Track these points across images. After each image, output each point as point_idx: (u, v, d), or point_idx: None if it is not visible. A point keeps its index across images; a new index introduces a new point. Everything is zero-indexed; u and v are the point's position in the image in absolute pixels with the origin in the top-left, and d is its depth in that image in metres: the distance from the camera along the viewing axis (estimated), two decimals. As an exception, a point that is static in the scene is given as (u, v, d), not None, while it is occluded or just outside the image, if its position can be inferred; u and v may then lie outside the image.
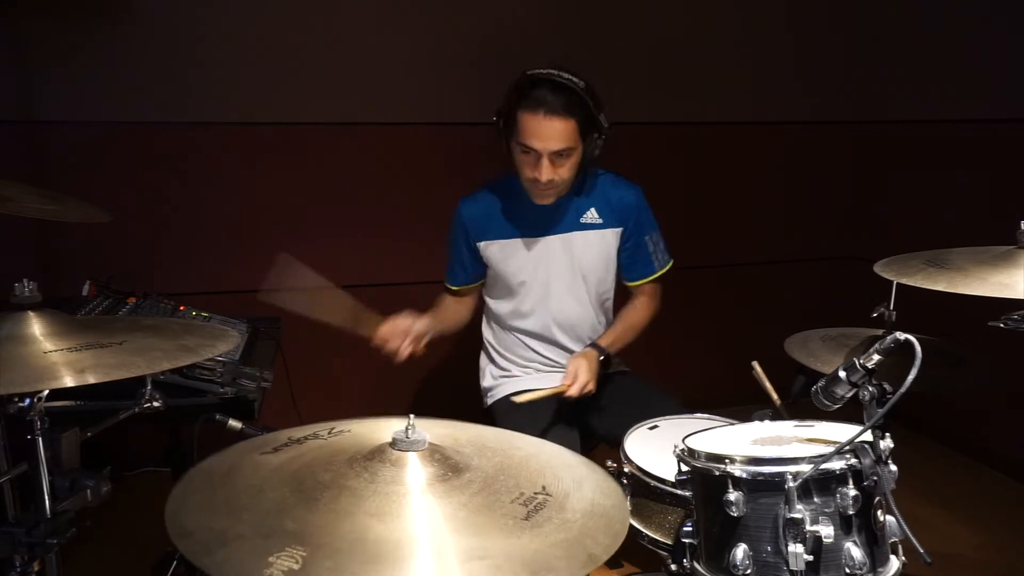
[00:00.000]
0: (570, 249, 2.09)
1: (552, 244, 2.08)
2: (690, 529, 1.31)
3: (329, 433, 1.09)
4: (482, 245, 2.11)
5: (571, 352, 2.15)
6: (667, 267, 2.18)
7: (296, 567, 0.79)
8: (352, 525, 0.86)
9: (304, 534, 0.84)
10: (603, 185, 2.10)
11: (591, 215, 2.08)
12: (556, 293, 2.11)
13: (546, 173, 1.90)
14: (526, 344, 2.18)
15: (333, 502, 0.90)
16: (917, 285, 1.43)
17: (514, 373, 2.20)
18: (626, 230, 2.10)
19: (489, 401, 2.22)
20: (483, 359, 2.28)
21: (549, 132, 1.86)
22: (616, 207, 2.08)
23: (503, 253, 2.10)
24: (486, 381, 2.25)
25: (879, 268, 1.55)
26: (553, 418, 1.99)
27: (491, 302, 2.20)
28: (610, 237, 2.10)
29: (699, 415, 1.88)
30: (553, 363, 2.18)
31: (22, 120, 2.71)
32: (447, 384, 3.22)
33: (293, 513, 0.88)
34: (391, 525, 0.87)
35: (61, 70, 2.69)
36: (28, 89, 2.69)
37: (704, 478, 1.26)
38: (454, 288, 2.19)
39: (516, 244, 2.09)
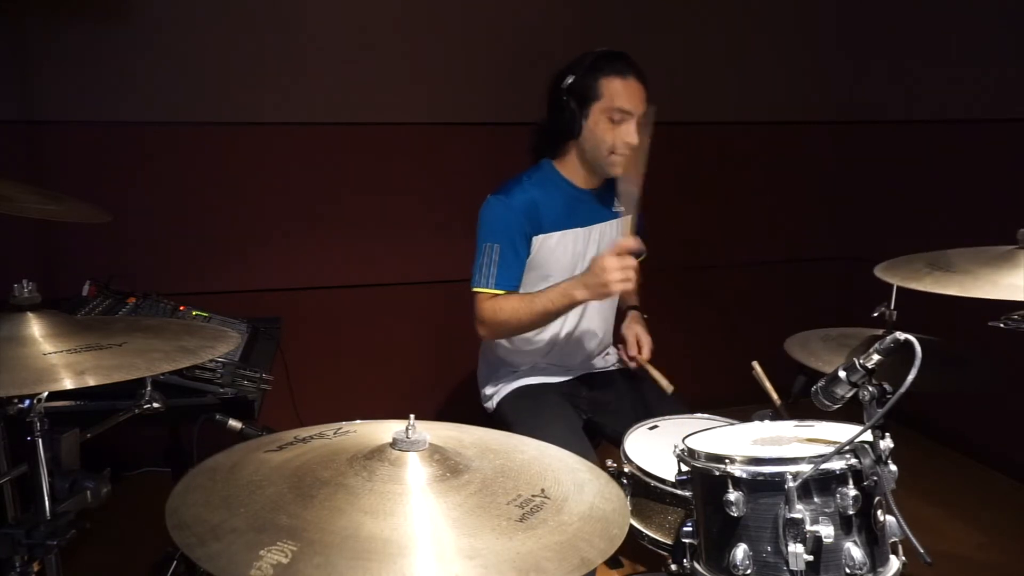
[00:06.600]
0: (607, 238, 2.08)
1: (594, 233, 2.07)
2: (690, 529, 1.31)
3: (335, 433, 1.10)
4: (539, 239, 2.00)
5: (577, 356, 2.14)
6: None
7: (285, 561, 0.80)
8: (345, 522, 0.87)
9: (297, 529, 0.85)
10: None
11: (617, 203, 2.10)
12: None
13: (637, 136, 1.92)
14: (540, 351, 2.12)
15: (329, 499, 0.91)
16: (925, 290, 1.41)
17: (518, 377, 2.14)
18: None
19: (494, 404, 2.16)
20: (484, 367, 2.22)
21: (640, 95, 1.93)
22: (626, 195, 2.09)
23: (560, 245, 2.03)
24: (488, 388, 2.19)
25: (879, 272, 1.53)
26: (557, 418, 1.98)
27: None
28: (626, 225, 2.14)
29: (699, 415, 1.88)
30: (558, 367, 2.15)
31: (22, 120, 2.71)
32: (447, 385, 3.24)
33: (289, 509, 0.89)
34: (383, 523, 0.87)
35: (61, 70, 2.69)
36: (28, 89, 2.69)
37: (704, 478, 1.26)
38: (506, 294, 1.95)
39: (572, 235, 2.04)
